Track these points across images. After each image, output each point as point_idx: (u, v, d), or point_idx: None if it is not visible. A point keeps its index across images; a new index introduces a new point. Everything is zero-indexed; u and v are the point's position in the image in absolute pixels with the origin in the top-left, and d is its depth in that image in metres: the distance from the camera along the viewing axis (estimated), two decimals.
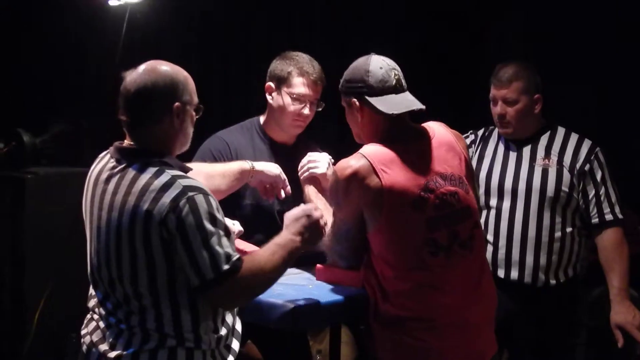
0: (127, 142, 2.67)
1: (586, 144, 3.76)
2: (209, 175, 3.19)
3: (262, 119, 3.75)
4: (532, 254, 3.72)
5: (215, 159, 3.54)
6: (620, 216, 3.71)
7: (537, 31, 5.31)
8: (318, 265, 3.28)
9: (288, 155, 3.57)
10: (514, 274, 3.74)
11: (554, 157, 3.75)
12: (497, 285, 3.22)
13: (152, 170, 2.56)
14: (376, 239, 2.98)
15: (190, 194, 2.50)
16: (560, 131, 3.82)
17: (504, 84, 3.74)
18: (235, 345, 2.77)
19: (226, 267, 2.50)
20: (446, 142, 3.08)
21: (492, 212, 3.80)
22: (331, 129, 5.04)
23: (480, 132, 3.98)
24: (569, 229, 3.74)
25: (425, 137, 3.05)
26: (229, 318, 2.70)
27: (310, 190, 3.39)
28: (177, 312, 2.56)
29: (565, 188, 3.71)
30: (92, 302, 2.73)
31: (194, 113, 2.71)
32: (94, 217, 2.65)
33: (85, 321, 2.76)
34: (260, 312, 2.92)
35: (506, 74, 3.74)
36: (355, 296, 3.08)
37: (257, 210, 3.51)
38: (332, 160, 3.58)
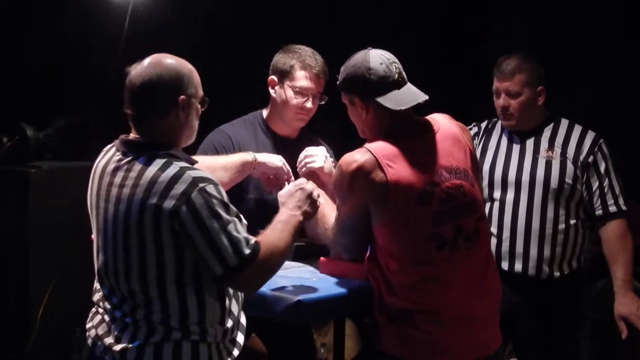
0: (132, 135, 2.67)
1: (590, 136, 3.75)
2: (211, 168, 3.19)
3: (265, 112, 3.75)
4: (535, 246, 3.72)
5: (217, 152, 3.54)
6: (624, 208, 3.71)
7: (538, 31, 5.31)
8: (322, 258, 3.28)
9: (291, 149, 3.56)
10: (518, 267, 3.74)
11: (558, 149, 3.74)
12: (500, 278, 3.21)
13: (159, 162, 2.56)
14: (381, 233, 2.97)
15: (201, 185, 2.51)
16: (564, 123, 3.82)
17: (507, 77, 3.73)
18: (240, 338, 2.78)
19: (248, 251, 2.54)
20: (451, 135, 3.07)
21: (496, 205, 3.80)
22: (335, 123, 5.04)
23: (483, 125, 3.98)
24: (572, 221, 3.74)
25: (430, 130, 3.04)
26: (234, 310, 2.71)
27: None
28: (183, 304, 2.57)
29: (568, 180, 3.70)
30: (96, 296, 2.74)
31: (199, 106, 2.71)
32: (100, 211, 2.65)
33: (90, 315, 2.77)
34: (265, 306, 2.93)
35: (509, 66, 3.74)
36: (360, 289, 3.08)
37: (260, 204, 3.52)
38: (329, 154, 3.59)
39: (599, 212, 3.72)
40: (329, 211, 3.19)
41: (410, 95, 2.99)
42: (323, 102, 3.64)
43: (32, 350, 4.83)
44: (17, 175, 4.91)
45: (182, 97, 2.63)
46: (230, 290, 2.69)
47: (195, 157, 2.77)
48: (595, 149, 3.72)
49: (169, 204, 2.49)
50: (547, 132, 3.79)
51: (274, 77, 3.65)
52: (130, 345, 2.59)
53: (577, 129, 3.78)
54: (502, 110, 3.79)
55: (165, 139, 2.64)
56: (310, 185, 2.96)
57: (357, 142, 3.06)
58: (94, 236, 2.80)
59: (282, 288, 2.97)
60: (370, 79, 2.96)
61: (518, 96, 3.74)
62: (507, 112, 3.77)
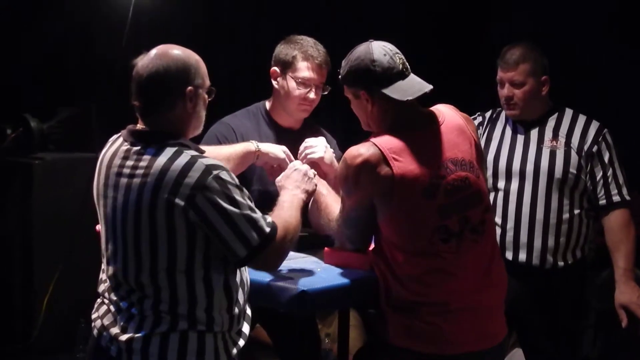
0: (140, 126, 2.68)
1: (594, 126, 3.75)
2: (214, 158, 3.19)
3: (267, 104, 3.75)
4: (540, 236, 3.72)
5: (220, 144, 3.53)
6: (627, 197, 3.71)
7: (538, 31, 5.30)
8: (326, 248, 3.28)
9: (294, 140, 3.55)
10: (522, 256, 3.74)
11: (562, 139, 3.74)
12: (504, 268, 3.21)
13: (170, 151, 2.57)
14: (386, 226, 2.96)
15: (215, 172, 2.54)
16: (568, 113, 3.81)
17: (511, 66, 3.73)
18: (246, 329, 2.78)
19: (268, 229, 2.61)
20: (456, 126, 3.05)
21: (500, 195, 3.80)
22: (338, 115, 5.04)
23: (488, 114, 3.98)
24: (576, 211, 3.74)
25: (435, 121, 3.03)
26: (240, 299, 2.72)
27: None
28: (192, 290, 2.58)
29: (573, 170, 3.70)
30: (102, 287, 2.74)
31: (206, 96, 2.72)
32: (108, 201, 2.65)
33: (95, 305, 2.77)
34: (269, 296, 2.92)
35: (513, 56, 3.73)
36: (364, 279, 3.07)
37: (264, 196, 3.52)
38: (331, 144, 3.59)
39: (602, 201, 3.72)
40: (331, 202, 3.18)
41: (415, 86, 2.97)
42: (326, 93, 3.64)
43: (37, 340, 4.85)
44: (21, 167, 4.93)
45: (189, 87, 2.64)
46: (237, 280, 2.69)
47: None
48: (600, 139, 3.71)
49: (184, 191, 2.51)
50: (551, 122, 3.79)
51: (276, 69, 3.64)
52: (136, 335, 2.59)
53: (582, 119, 3.77)
54: (506, 100, 3.78)
55: (173, 130, 2.65)
56: (304, 166, 3.12)
57: (361, 134, 3.06)
58: (98, 227, 2.80)
59: (286, 278, 2.97)
60: (375, 71, 2.94)
61: (522, 86, 3.73)
62: (511, 101, 3.76)
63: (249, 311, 2.81)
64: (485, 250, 3.03)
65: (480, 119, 3.95)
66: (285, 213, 2.80)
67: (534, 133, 3.79)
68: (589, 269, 3.98)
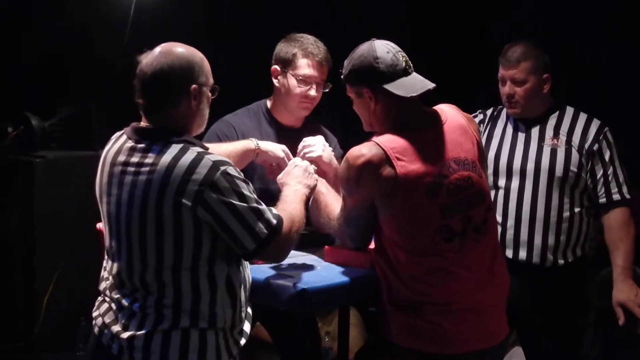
0: (144, 124, 2.68)
1: (595, 124, 3.75)
2: None
3: (268, 102, 3.75)
4: (540, 234, 3.73)
5: (221, 142, 3.53)
6: (627, 196, 3.71)
7: (538, 31, 5.30)
8: (326, 246, 3.28)
9: (295, 138, 3.54)
10: (522, 255, 3.74)
11: (563, 137, 3.74)
12: None
13: (176, 148, 2.58)
14: (388, 225, 2.96)
15: (222, 167, 2.56)
16: (569, 111, 3.81)
17: (513, 64, 3.73)
18: (247, 327, 2.79)
19: (275, 221, 2.65)
20: (459, 126, 3.05)
21: (501, 193, 3.80)
22: (339, 113, 5.04)
23: (489, 112, 3.98)
24: (577, 209, 3.74)
25: (438, 120, 3.02)
26: (242, 297, 2.72)
27: None
28: (196, 287, 2.60)
29: (573, 168, 3.70)
30: (103, 285, 2.75)
31: (209, 94, 2.73)
32: (112, 198, 2.66)
33: (96, 303, 2.77)
34: (269, 294, 2.93)
35: (515, 53, 3.73)
36: (364, 278, 3.08)
37: (265, 194, 3.51)
38: (332, 143, 3.60)
39: (602, 200, 3.72)
40: (331, 200, 3.19)
41: (418, 83, 2.97)
42: (327, 90, 3.64)
43: (38, 338, 4.85)
44: (23, 165, 4.94)
45: (193, 85, 2.65)
46: (239, 278, 2.70)
47: None
48: (600, 137, 3.71)
49: (192, 188, 2.52)
50: (552, 120, 3.79)
51: (276, 67, 3.64)
52: (138, 333, 2.60)
53: (583, 117, 3.78)
54: (507, 98, 3.78)
55: (177, 127, 2.66)
56: (304, 162, 3.16)
57: (361, 133, 3.06)
58: (100, 225, 2.80)
59: (286, 277, 2.97)
60: (378, 68, 2.93)
61: (523, 84, 3.73)
62: (513, 99, 3.76)
63: (249, 310, 2.81)
64: (487, 249, 3.03)
65: (481, 116, 3.95)
66: (289, 206, 2.83)
67: (535, 131, 3.80)
68: (589, 267, 3.98)
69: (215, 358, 2.64)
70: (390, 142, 2.91)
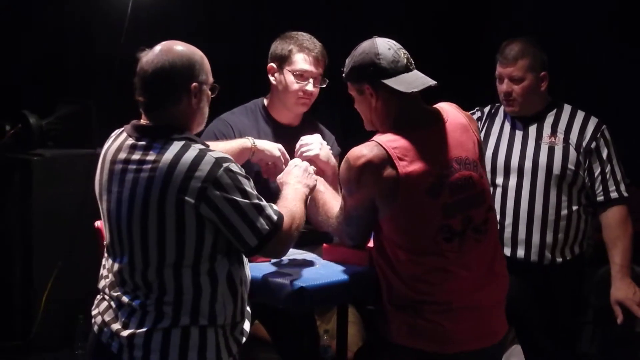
0: (144, 121, 2.69)
1: (592, 122, 3.75)
2: None
3: (265, 100, 3.75)
4: (538, 232, 3.72)
5: (218, 141, 3.53)
6: (625, 194, 3.71)
7: (538, 29, 5.31)
8: (324, 244, 3.28)
9: (293, 137, 3.54)
10: (520, 253, 3.74)
11: (560, 135, 3.74)
12: None
13: (178, 145, 2.59)
14: (389, 225, 2.96)
15: (225, 164, 2.57)
16: (567, 109, 3.81)
17: (510, 62, 3.72)
18: (247, 326, 2.79)
19: (275, 216, 2.66)
20: (460, 125, 3.05)
21: (498, 191, 3.80)
22: (338, 110, 5.05)
23: (486, 110, 3.97)
24: (575, 207, 3.74)
25: (440, 119, 3.02)
26: (243, 292, 2.73)
27: None
28: (197, 283, 2.60)
29: (571, 166, 3.70)
30: (102, 283, 2.75)
31: (209, 92, 2.74)
32: (112, 196, 2.66)
33: (95, 302, 2.77)
34: (268, 293, 2.93)
35: (512, 51, 3.73)
36: (363, 276, 3.08)
37: (262, 193, 3.52)
38: (330, 141, 3.60)
39: (600, 198, 3.72)
40: (329, 199, 3.19)
41: (419, 79, 2.97)
42: (324, 85, 3.64)
43: (36, 337, 4.85)
44: (21, 163, 4.93)
45: (194, 83, 2.66)
46: (240, 274, 2.71)
47: None
48: (598, 135, 3.71)
49: (195, 185, 2.53)
50: (549, 118, 3.79)
51: (273, 64, 3.64)
52: (138, 331, 2.60)
53: (580, 115, 3.77)
54: (505, 96, 3.78)
55: (178, 125, 2.66)
56: (304, 163, 3.16)
57: (360, 131, 3.06)
58: (98, 223, 2.79)
59: (285, 275, 2.98)
60: (379, 64, 2.94)
61: (521, 81, 3.73)
62: (510, 97, 3.76)
63: (249, 308, 2.81)
64: (487, 249, 3.03)
65: (478, 114, 3.95)
66: (289, 203, 2.85)
67: (533, 129, 3.79)
68: (587, 265, 3.98)
69: (215, 356, 2.64)
70: (392, 142, 2.90)
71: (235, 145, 3.34)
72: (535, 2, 5.75)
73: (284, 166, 3.31)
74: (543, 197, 3.72)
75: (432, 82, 2.96)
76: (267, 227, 2.63)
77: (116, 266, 2.67)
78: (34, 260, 4.90)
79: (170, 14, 5.34)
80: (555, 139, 3.74)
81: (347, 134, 3.31)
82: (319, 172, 3.33)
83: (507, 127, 3.86)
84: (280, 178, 3.12)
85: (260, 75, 3.72)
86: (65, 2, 5.29)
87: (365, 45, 3.00)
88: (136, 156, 2.62)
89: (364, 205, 2.95)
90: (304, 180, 3.06)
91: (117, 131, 2.77)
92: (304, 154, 3.41)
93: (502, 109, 3.90)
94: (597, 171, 3.71)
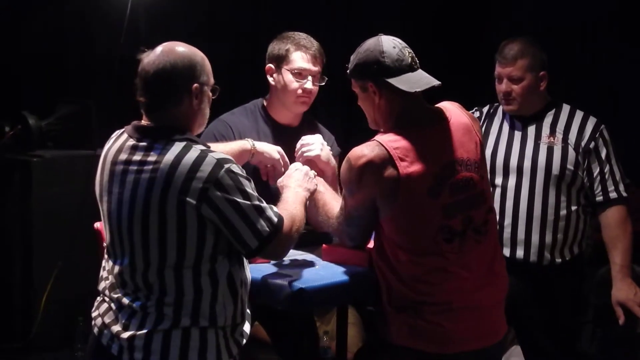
0: (145, 122, 2.69)
1: (591, 122, 3.74)
2: None
3: (265, 101, 3.75)
4: (537, 232, 3.72)
5: (218, 142, 3.53)
6: (624, 194, 3.71)
7: (538, 29, 5.32)
8: (324, 245, 3.28)
9: (292, 137, 3.55)
10: (520, 253, 3.74)
11: (559, 135, 3.74)
12: None
13: (179, 146, 2.59)
14: (389, 225, 2.96)
15: (226, 165, 2.58)
16: (565, 109, 3.81)
17: (509, 62, 3.72)
18: (247, 327, 2.80)
19: (276, 218, 2.67)
20: (462, 125, 3.04)
21: (497, 191, 3.80)
22: (338, 111, 5.04)
23: (485, 109, 3.97)
24: (574, 207, 3.74)
25: (443, 119, 3.01)
26: (243, 294, 2.73)
27: None
28: (197, 284, 2.60)
29: (570, 166, 3.70)
30: (102, 284, 2.75)
31: (210, 94, 2.74)
32: (113, 197, 2.66)
33: (95, 303, 2.77)
34: (267, 294, 2.93)
35: (511, 51, 3.72)
36: (362, 277, 3.08)
37: (259, 193, 3.52)
38: (330, 141, 3.60)
39: (599, 198, 3.71)
40: (329, 199, 3.19)
41: (423, 79, 2.97)
42: (323, 83, 3.64)
43: (36, 338, 4.85)
44: (20, 164, 4.93)
45: (195, 84, 2.66)
46: (240, 275, 2.71)
47: None
48: (597, 135, 3.71)
49: (196, 185, 2.53)
50: (548, 118, 3.79)
51: (271, 65, 3.64)
52: (138, 333, 2.60)
53: (579, 115, 3.77)
54: (504, 96, 3.77)
55: (179, 126, 2.67)
56: (305, 167, 3.18)
57: (359, 132, 3.06)
58: (98, 224, 2.79)
59: (284, 276, 2.97)
60: (383, 62, 2.94)
61: (520, 81, 3.73)
62: (510, 97, 3.75)
63: (249, 310, 2.82)
64: (487, 250, 3.03)
65: (477, 114, 3.95)
66: (290, 206, 2.86)
67: (532, 129, 3.79)
68: (587, 265, 3.98)
69: (215, 357, 2.64)
70: (393, 141, 2.90)
71: (235, 147, 3.34)
72: (535, 2, 5.75)
73: (283, 169, 3.32)
74: (542, 197, 3.72)
75: (436, 82, 2.96)
76: (267, 228, 2.64)
77: (117, 268, 2.67)
78: (33, 261, 4.90)
79: (170, 14, 5.34)
80: (554, 139, 3.74)
81: (347, 134, 3.31)
82: (319, 172, 3.33)
83: (506, 127, 3.86)
84: (281, 181, 3.13)
85: (260, 75, 3.72)
86: (65, 3, 5.29)
87: (370, 43, 3.00)
88: (137, 157, 2.62)
89: (364, 205, 2.95)
90: (304, 184, 3.07)
91: (118, 132, 2.77)
92: (305, 154, 3.41)
93: (500, 108, 3.89)
94: (596, 171, 3.70)
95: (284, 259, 3.05)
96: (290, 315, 3.49)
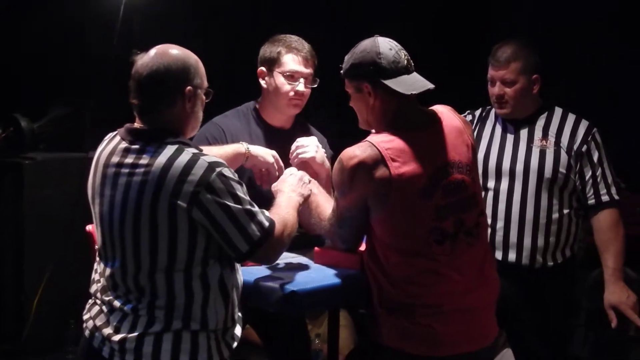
0: (138, 124, 2.69)
1: (583, 125, 3.75)
2: None
3: (257, 104, 3.75)
4: (529, 235, 3.72)
5: (210, 145, 3.52)
6: (616, 197, 3.71)
7: (537, 31, 5.32)
8: (316, 248, 3.28)
9: (285, 140, 3.55)
10: (512, 256, 3.74)
11: (552, 138, 3.74)
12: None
13: (171, 149, 2.59)
14: (381, 226, 2.96)
15: (218, 169, 2.57)
16: (558, 112, 3.81)
17: (503, 65, 3.72)
18: (238, 331, 2.80)
19: (267, 223, 2.67)
20: (455, 128, 3.05)
21: (490, 194, 3.80)
22: (330, 113, 5.03)
23: (477, 113, 3.97)
24: (566, 210, 3.74)
25: (436, 122, 3.02)
26: (235, 297, 2.73)
27: None
28: (189, 287, 2.60)
29: (562, 169, 3.70)
30: (94, 287, 2.74)
31: (204, 97, 2.74)
32: (105, 199, 2.65)
33: (87, 306, 2.77)
34: (259, 297, 2.93)
35: (504, 54, 3.72)
36: (354, 279, 3.08)
37: (253, 197, 3.52)
38: (323, 144, 3.59)
39: (591, 201, 3.72)
40: (322, 201, 3.18)
41: (418, 82, 2.98)
42: (315, 85, 3.64)
43: (28, 340, 4.84)
44: (12, 167, 4.93)
45: (188, 87, 2.66)
46: (232, 279, 2.71)
47: None
48: (589, 138, 3.71)
49: (187, 188, 2.53)
50: (541, 121, 3.79)
51: (262, 68, 3.65)
52: (129, 335, 2.60)
53: (571, 118, 3.77)
54: (497, 99, 3.77)
55: (172, 129, 2.67)
56: (300, 172, 3.18)
57: (351, 134, 3.05)
58: (89, 227, 2.79)
59: (276, 279, 2.97)
60: (380, 63, 2.94)
61: (513, 84, 3.73)
62: (502, 100, 3.75)
63: (240, 314, 2.81)
64: (478, 253, 3.04)
65: (470, 117, 3.95)
66: (282, 210, 2.85)
67: (524, 132, 3.79)
68: (579, 268, 3.98)
69: None
70: (385, 142, 2.91)
71: (229, 151, 3.34)
72: (535, 3, 5.75)
73: (277, 173, 3.32)
74: (534, 200, 3.72)
75: (431, 86, 2.97)
76: (258, 233, 2.63)
77: (108, 270, 2.67)
78: (25, 264, 4.89)
79: (163, 16, 5.34)
80: (546, 142, 3.74)
81: (341, 137, 3.30)
82: (313, 175, 3.34)
83: (499, 130, 3.86)
84: (275, 186, 3.13)
85: (255, 77, 3.72)
86: (58, 5, 5.28)
87: (366, 44, 3.00)
88: (129, 160, 2.61)
89: (357, 206, 2.95)
90: (298, 189, 3.07)
91: (111, 134, 2.77)
92: (300, 156, 3.41)
93: (493, 112, 3.89)
94: (588, 174, 3.71)
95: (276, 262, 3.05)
96: (282, 318, 3.49)
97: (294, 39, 3.62)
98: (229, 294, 2.68)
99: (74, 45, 5.47)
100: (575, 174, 3.71)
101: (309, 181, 3.17)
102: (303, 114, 3.74)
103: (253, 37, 3.85)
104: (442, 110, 3.09)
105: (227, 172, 2.60)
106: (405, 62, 2.98)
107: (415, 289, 2.93)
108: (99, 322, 2.67)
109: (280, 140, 3.59)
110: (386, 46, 2.97)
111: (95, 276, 2.75)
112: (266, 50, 3.64)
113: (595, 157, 3.71)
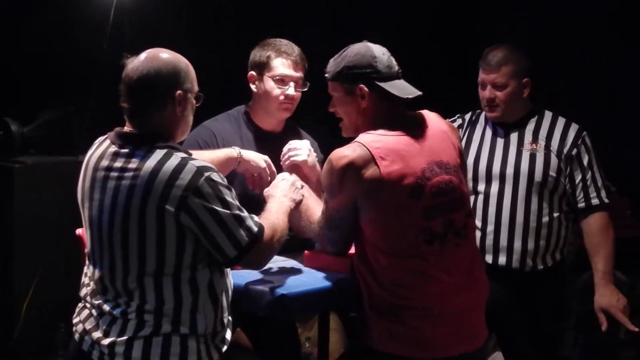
0: (128, 128, 2.68)
1: (573, 129, 3.75)
2: None
3: (247, 108, 3.75)
4: (520, 239, 3.72)
5: (201, 149, 3.53)
6: (606, 200, 3.72)
7: (537, 31, 5.33)
8: (306, 251, 3.28)
9: (276, 143, 3.56)
10: (502, 260, 3.74)
11: (542, 142, 3.74)
12: (484, 271, 3.22)
13: (160, 153, 2.59)
14: (371, 227, 2.97)
15: (206, 173, 2.58)
16: (547, 115, 3.81)
17: (493, 68, 3.72)
18: (228, 334, 2.80)
19: (256, 228, 2.67)
20: (441, 131, 3.07)
21: (480, 198, 3.80)
22: (320, 116, 5.02)
23: (467, 116, 3.97)
24: (556, 214, 3.75)
25: (422, 124, 3.05)
26: (224, 302, 2.73)
27: None
28: (178, 292, 2.60)
29: (552, 173, 3.71)
30: (84, 291, 2.74)
31: (194, 101, 2.74)
32: (95, 203, 2.65)
33: (77, 310, 2.77)
34: (249, 300, 2.93)
35: (495, 57, 3.73)
36: (344, 283, 3.08)
37: (244, 200, 3.51)
38: (314, 147, 3.59)
39: (581, 204, 3.72)
40: (312, 204, 3.19)
41: (409, 87, 3.03)
42: (306, 89, 3.64)
43: (17, 344, 4.83)
44: (2, 170, 4.92)
45: (179, 91, 2.66)
46: (221, 284, 2.71)
47: None
48: (579, 142, 3.72)
49: (176, 193, 2.53)
50: (531, 125, 3.79)
51: (252, 72, 3.66)
52: (118, 339, 2.60)
53: (561, 122, 3.78)
54: (487, 102, 3.78)
55: (161, 133, 2.67)
56: (292, 177, 3.18)
57: (344, 141, 3.06)
58: (79, 231, 2.78)
59: (266, 282, 2.97)
60: (376, 66, 2.98)
61: (504, 88, 3.73)
62: (493, 103, 3.76)
63: (230, 317, 2.81)
64: (467, 254, 3.05)
65: (459, 121, 3.95)
66: (272, 215, 2.86)
67: (514, 136, 3.80)
68: (569, 271, 3.98)
69: None
70: (374, 142, 2.92)
71: (221, 155, 3.34)
72: (535, 4, 5.75)
73: (269, 178, 3.32)
74: (524, 204, 3.72)
75: (419, 93, 3.01)
76: (246, 238, 2.64)
77: (97, 273, 2.67)
78: (15, 267, 4.87)
79: (154, 20, 5.33)
80: (536, 146, 3.75)
81: (331, 141, 3.30)
82: (304, 178, 3.34)
83: (489, 133, 3.87)
84: (267, 191, 3.13)
85: (246, 81, 3.72)
86: (47, 9, 5.27)
87: (359, 47, 3.03)
88: (118, 164, 2.61)
89: (347, 206, 2.96)
90: (290, 194, 3.07)
91: (101, 138, 2.77)
92: (292, 159, 3.42)
93: (483, 115, 3.90)
94: (578, 178, 3.71)
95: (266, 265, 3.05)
96: (272, 322, 3.49)
97: (284, 43, 3.63)
98: (218, 299, 2.68)
99: (62, 50, 5.45)
100: (565, 177, 3.72)
101: (302, 186, 3.17)
102: (294, 117, 3.74)
103: (244, 41, 3.84)
104: (429, 114, 3.12)
105: (216, 176, 2.60)
106: (396, 67, 3.03)
107: (405, 291, 2.93)
108: (88, 326, 2.67)
109: (270, 143, 3.59)
110: (379, 51, 3.01)
111: (85, 280, 2.75)
112: (256, 54, 3.65)
113: (585, 161, 3.71)
